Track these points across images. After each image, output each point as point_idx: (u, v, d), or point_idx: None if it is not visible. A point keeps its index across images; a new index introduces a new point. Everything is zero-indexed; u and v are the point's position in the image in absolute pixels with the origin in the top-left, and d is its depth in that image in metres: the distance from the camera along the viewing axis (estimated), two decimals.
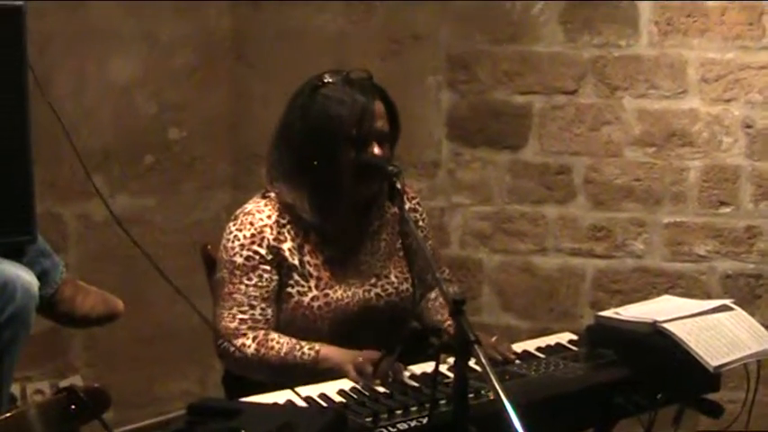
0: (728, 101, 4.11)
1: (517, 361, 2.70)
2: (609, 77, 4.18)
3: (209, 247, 3.08)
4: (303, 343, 2.68)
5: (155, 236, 4.08)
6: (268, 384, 2.53)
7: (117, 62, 4.11)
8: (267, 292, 2.74)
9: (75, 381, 3.93)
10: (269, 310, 2.74)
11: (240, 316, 2.72)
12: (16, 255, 2.73)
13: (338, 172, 2.72)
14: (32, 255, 2.80)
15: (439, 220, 4.22)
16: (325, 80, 2.76)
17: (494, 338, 2.76)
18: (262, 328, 2.72)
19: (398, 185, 2.59)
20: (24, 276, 2.67)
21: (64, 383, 3.78)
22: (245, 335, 2.71)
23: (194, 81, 4.28)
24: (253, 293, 2.73)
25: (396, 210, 2.87)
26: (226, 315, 2.73)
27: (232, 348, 2.69)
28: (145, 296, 3.79)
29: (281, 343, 2.69)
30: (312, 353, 2.66)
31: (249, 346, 2.69)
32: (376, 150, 2.70)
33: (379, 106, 2.74)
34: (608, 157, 4.21)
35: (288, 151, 2.78)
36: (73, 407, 2.03)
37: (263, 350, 2.68)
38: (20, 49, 2.59)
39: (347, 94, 2.71)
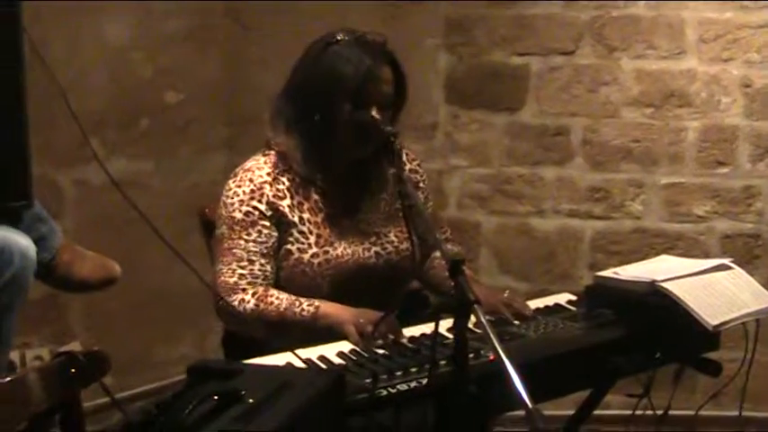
0: (727, 60, 4.10)
1: (516, 322, 2.70)
2: (606, 38, 4.18)
3: (206, 210, 3.08)
4: (302, 299, 2.68)
5: (151, 199, 4.06)
6: (268, 346, 2.52)
7: (112, 26, 4.09)
8: (266, 247, 2.75)
9: (75, 346, 3.93)
10: (268, 267, 2.75)
11: (239, 271, 2.72)
12: (13, 220, 2.73)
13: (334, 128, 2.72)
14: (29, 220, 2.79)
15: (437, 182, 4.22)
16: (338, 38, 2.76)
17: (506, 293, 2.78)
18: (261, 284, 2.72)
19: (395, 146, 2.59)
20: (21, 241, 2.66)
21: (63, 349, 3.79)
22: (244, 290, 2.71)
23: (189, 44, 4.27)
24: (252, 249, 2.73)
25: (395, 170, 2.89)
26: (225, 270, 2.73)
27: (232, 304, 2.69)
28: (142, 260, 3.78)
29: (280, 299, 2.69)
30: (311, 309, 2.66)
31: (248, 302, 2.69)
32: (375, 114, 2.69)
33: (386, 71, 2.74)
34: (606, 118, 4.21)
35: (291, 101, 2.80)
36: (72, 370, 2.03)
37: (261, 305, 2.68)
38: (15, 15, 2.57)
39: (356, 53, 2.71)
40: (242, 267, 2.73)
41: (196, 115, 4.30)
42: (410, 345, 2.50)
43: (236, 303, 2.69)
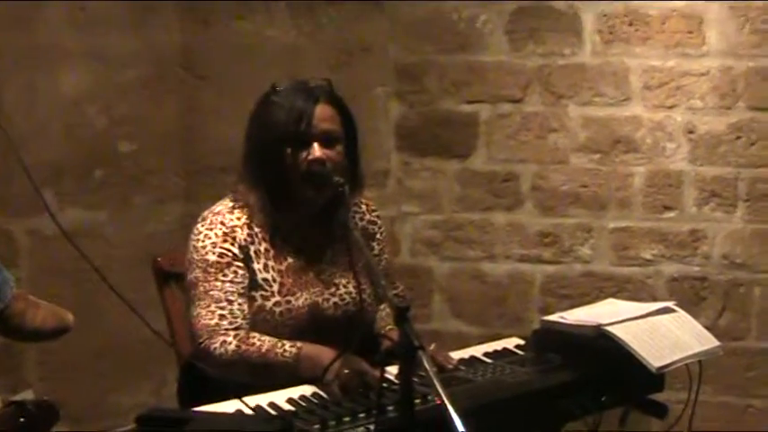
0: (671, 107, 4.18)
1: (463, 367, 2.73)
2: (554, 86, 4.25)
3: (159, 259, 3.11)
4: (285, 341, 2.68)
5: (106, 250, 4.08)
6: (225, 395, 2.50)
7: (66, 77, 4.11)
8: (243, 287, 2.75)
9: (28, 395, 3.92)
10: (245, 306, 2.74)
11: (219, 312, 2.71)
12: None
13: (282, 174, 2.75)
14: None
15: (389, 228, 4.25)
16: (278, 88, 2.82)
17: (432, 346, 2.75)
18: (241, 324, 2.71)
19: (344, 196, 2.63)
20: None
21: (16, 398, 3.78)
22: (226, 331, 2.69)
23: (144, 95, 4.28)
24: (229, 289, 2.73)
25: (357, 220, 2.95)
26: (204, 314, 2.72)
27: (213, 346, 2.67)
28: (97, 310, 3.78)
29: (262, 340, 2.68)
30: (294, 350, 2.65)
31: (230, 343, 2.67)
32: (317, 152, 2.72)
33: (322, 108, 2.77)
34: (554, 164, 4.27)
35: (243, 155, 2.85)
36: (22, 420, 2.04)
37: (243, 347, 2.66)
38: None
39: (290, 99, 2.76)
40: (221, 308, 2.72)
41: (151, 165, 4.31)
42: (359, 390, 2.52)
43: (217, 345, 2.67)
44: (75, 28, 4.10)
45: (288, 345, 2.67)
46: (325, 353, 2.63)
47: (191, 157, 4.39)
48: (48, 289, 3.56)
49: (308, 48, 4.32)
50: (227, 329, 2.70)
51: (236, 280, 2.75)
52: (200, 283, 2.75)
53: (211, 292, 2.73)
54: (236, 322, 2.72)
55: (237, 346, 2.67)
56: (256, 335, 2.71)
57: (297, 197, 2.79)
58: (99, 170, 4.20)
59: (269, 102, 2.80)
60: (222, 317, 2.71)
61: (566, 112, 4.25)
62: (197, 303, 2.75)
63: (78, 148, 4.15)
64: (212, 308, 2.72)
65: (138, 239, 4.25)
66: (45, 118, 4.07)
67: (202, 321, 2.72)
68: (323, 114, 2.77)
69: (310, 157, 2.73)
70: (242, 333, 2.70)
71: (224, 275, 2.74)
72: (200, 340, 2.70)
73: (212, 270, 2.75)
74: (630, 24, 4.17)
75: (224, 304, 2.72)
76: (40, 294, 3.03)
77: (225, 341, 2.68)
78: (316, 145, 2.74)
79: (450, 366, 2.72)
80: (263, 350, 2.67)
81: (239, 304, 2.74)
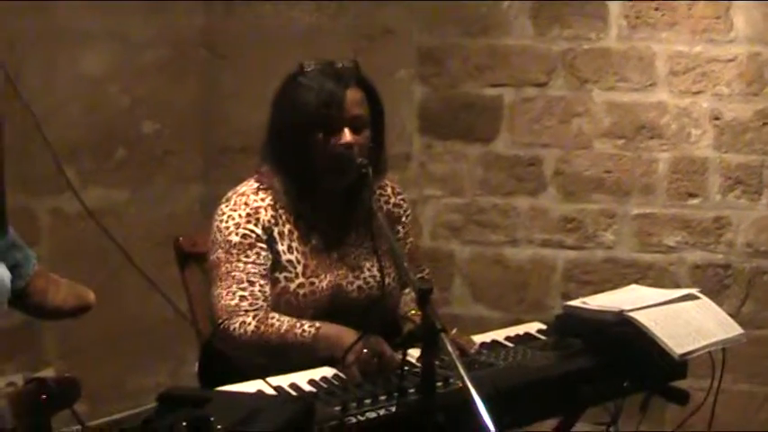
0: (696, 93, 4.15)
1: (484, 351, 2.72)
2: (579, 70, 4.22)
3: (180, 239, 3.10)
4: (304, 321, 2.67)
5: (126, 229, 4.07)
6: (245, 376, 2.49)
7: (88, 57, 4.11)
8: (265, 269, 2.74)
9: (48, 373, 3.93)
10: (267, 288, 2.73)
11: (240, 293, 2.70)
12: None
13: (309, 158, 2.74)
14: (4, 248, 2.79)
15: (411, 212, 4.24)
16: (305, 69, 2.79)
17: (453, 331, 2.74)
18: (261, 305, 2.70)
19: (368, 178, 2.62)
20: None
21: (36, 376, 3.79)
22: (246, 312, 2.68)
23: (166, 75, 4.28)
24: (252, 270, 2.72)
25: (382, 203, 2.94)
26: (225, 294, 2.71)
27: (232, 327, 2.66)
28: (117, 289, 3.79)
29: (281, 321, 2.66)
30: (312, 330, 2.63)
31: (249, 324, 2.65)
32: (347, 137, 2.71)
33: (353, 93, 2.75)
34: (578, 149, 4.25)
35: (268, 136, 2.83)
36: (43, 396, 2.04)
37: (263, 327, 2.65)
38: None
39: (318, 81, 2.73)
40: (242, 289, 2.70)
41: (172, 145, 4.32)
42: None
43: (236, 326, 2.66)
44: (96, 8, 4.09)
45: (306, 325, 2.66)
46: (344, 332, 2.62)
47: (211, 137, 4.39)
48: (68, 268, 3.55)
49: (331, 29, 4.31)
50: (246, 310, 2.69)
51: (259, 261, 2.74)
52: (223, 264, 2.74)
53: (233, 273, 2.72)
54: (257, 303, 2.70)
55: (257, 327, 2.66)
56: (276, 315, 2.69)
57: (321, 180, 2.78)
58: (120, 149, 4.21)
59: (297, 83, 2.77)
60: (243, 298, 2.70)
61: (590, 97, 4.22)
62: (218, 284, 2.74)
63: (99, 128, 4.15)
64: (233, 288, 2.71)
65: (158, 220, 4.26)
66: (66, 97, 4.07)
67: (223, 302, 2.71)
68: (353, 99, 2.75)
69: (341, 141, 2.71)
70: (261, 314, 2.69)
71: (246, 256, 2.73)
72: (220, 321, 2.70)
73: (235, 251, 2.74)
74: (657, 9, 4.15)
75: (245, 285, 2.71)
76: (60, 273, 3.03)
77: (244, 322, 2.67)
78: (347, 130, 2.72)
79: (472, 350, 2.71)
80: (282, 330, 2.65)
81: (261, 286, 2.72)
